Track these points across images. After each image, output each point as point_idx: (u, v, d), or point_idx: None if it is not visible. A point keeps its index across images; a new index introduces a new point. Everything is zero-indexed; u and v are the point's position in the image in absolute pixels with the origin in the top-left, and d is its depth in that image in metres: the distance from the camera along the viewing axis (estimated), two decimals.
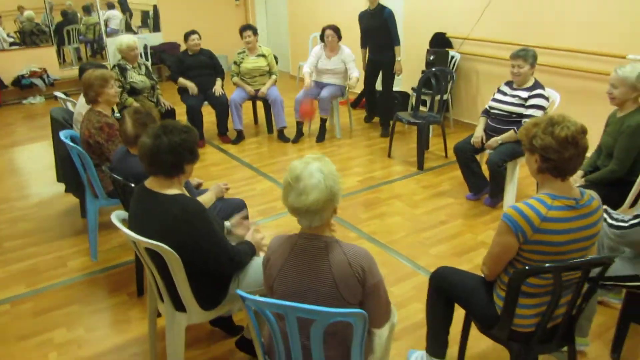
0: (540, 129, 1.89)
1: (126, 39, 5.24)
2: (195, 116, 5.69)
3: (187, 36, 5.74)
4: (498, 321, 2.04)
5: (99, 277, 3.41)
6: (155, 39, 9.53)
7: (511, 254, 1.95)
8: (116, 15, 10.91)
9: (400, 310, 2.96)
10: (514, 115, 3.91)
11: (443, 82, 5.08)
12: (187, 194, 2.21)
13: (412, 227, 3.90)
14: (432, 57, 5.86)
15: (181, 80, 5.70)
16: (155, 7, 9.58)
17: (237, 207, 3.11)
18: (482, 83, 5.83)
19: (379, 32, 5.55)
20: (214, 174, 5.06)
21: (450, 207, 4.18)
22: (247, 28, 5.79)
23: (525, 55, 3.81)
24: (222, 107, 5.82)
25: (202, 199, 2.93)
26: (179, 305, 2.26)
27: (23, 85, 8.06)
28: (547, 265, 1.84)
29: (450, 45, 6.05)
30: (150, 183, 2.17)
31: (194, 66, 5.76)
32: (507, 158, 3.89)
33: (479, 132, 4.09)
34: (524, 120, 3.81)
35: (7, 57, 8.21)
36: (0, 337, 2.87)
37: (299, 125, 5.86)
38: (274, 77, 5.94)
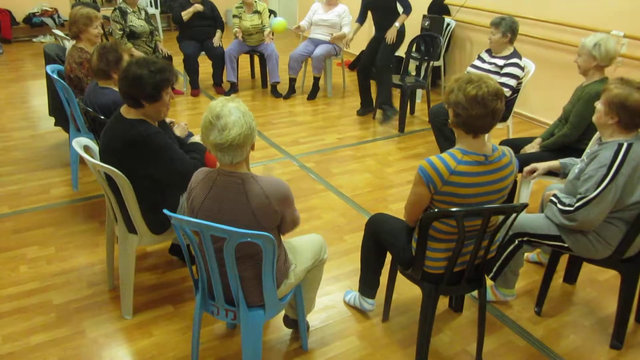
0: (457, 85, 2.03)
1: None
2: (191, 65, 5.84)
3: None
4: (413, 263, 2.23)
5: (77, 205, 3.65)
6: None
7: (424, 202, 2.11)
8: None
9: (350, 255, 3.15)
10: None
11: (431, 48, 5.14)
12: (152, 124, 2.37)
13: (379, 184, 4.06)
14: (427, 23, 5.90)
15: (183, 13, 5.74)
16: None
17: (196, 147, 3.29)
18: (476, 52, 5.86)
19: (386, 7, 5.07)
20: (198, 121, 5.23)
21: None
22: None
23: (499, 24, 3.88)
24: (218, 59, 5.95)
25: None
26: (131, 228, 2.47)
27: (34, 23, 8.23)
28: (451, 209, 2.00)
29: (448, 12, 6.07)
30: (124, 109, 2.35)
31: (194, 16, 5.84)
32: None
33: None
34: None
35: None
36: None
37: (292, 82, 5.98)
38: (267, 30, 5.99)
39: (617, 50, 3.09)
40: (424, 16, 6.02)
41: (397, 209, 3.69)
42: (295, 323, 2.42)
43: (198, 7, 5.73)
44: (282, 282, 2.07)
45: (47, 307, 2.68)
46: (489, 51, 4.12)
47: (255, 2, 5.96)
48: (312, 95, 6.01)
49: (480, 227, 2.02)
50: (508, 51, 3.97)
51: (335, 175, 4.17)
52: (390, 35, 5.00)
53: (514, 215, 2.09)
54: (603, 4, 4.57)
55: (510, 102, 4.07)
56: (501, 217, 2.08)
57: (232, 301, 2.01)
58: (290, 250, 2.18)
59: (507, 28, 3.89)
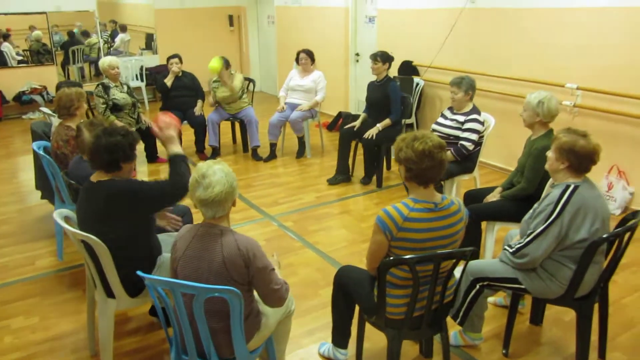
0: (405, 144, 2.24)
1: (109, 59, 5.72)
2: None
3: (168, 59, 6.18)
4: (376, 310, 2.36)
5: (61, 275, 3.76)
6: (152, 60, 10.03)
7: (383, 250, 2.28)
8: (125, 37, 11.49)
9: (326, 309, 3.23)
10: (452, 137, 4.23)
11: (402, 107, 5.43)
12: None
13: (353, 238, 4.22)
14: (397, 83, 6.23)
15: (165, 80, 6.20)
16: (153, 30, 10.11)
17: (181, 211, 3.46)
18: (445, 107, 6.17)
19: (380, 104, 5.27)
20: None
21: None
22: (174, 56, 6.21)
23: (460, 83, 4.17)
24: (200, 127, 6.22)
25: None
26: (109, 292, 2.59)
27: (23, 101, 8.56)
28: (405, 257, 2.16)
29: (417, 73, 6.44)
30: (94, 177, 2.53)
31: (175, 87, 6.17)
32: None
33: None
34: (460, 142, 4.16)
35: (12, 74, 8.73)
36: None
37: (272, 146, 6.25)
38: (245, 99, 6.31)
39: (558, 108, 3.35)
40: (394, 77, 6.37)
41: None
42: None
43: (175, 70, 6.13)
44: (254, 334, 2.19)
45: None
46: (450, 108, 4.39)
47: (231, 74, 6.28)
48: (300, 154, 6.31)
49: (433, 273, 2.18)
50: (468, 108, 4.25)
51: (312, 233, 4.32)
52: (369, 134, 5.15)
53: (464, 260, 2.26)
54: (558, 60, 4.92)
55: (474, 155, 4.31)
56: (452, 263, 2.24)
57: (204, 354, 2.12)
58: (261, 302, 2.31)
59: (468, 87, 4.18)
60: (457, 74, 5.80)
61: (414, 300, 2.23)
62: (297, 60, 6.19)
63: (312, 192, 5.23)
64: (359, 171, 5.59)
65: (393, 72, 6.50)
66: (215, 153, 6.32)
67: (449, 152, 4.22)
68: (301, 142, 6.29)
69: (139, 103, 6.05)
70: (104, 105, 5.61)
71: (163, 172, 5.97)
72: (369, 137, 5.14)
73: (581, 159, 2.46)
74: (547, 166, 2.64)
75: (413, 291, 2.21)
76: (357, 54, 7.67)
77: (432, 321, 2.36)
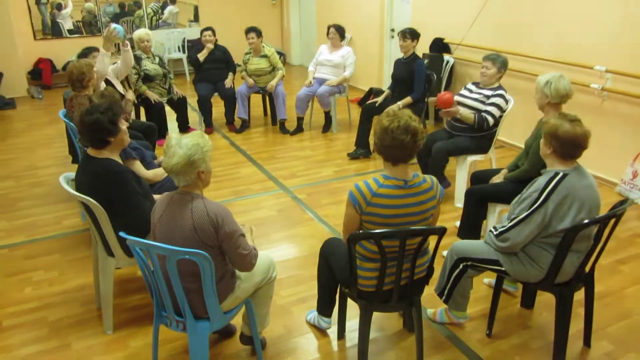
0: (379, 119, 2.31)
1: (140, 31, 5.95)
2: (204, 105, 6.30)
3: (202, 32, 6.33)
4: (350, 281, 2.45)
5: (83, 234, 4.03)
6: (194, 33, 10.24)
7: (355, 223, 2.35)
8: (173, 10, 11.77)
9: None
10: (474, 110, 4.19)
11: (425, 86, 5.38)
12: (118, 160, 2.72)
13: None
14: (426, 61, 6.15)
15: (199, 55, 6.35)
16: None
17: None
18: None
19: (405, 81, 5.25)
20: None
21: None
22: (251, 30, 6.28)
23: (495, 59, 4.11)
24: (230, 99, 6.39)
25: (159, 170, 3.47)
26: (109, 251, 2.79)
27: None
28: (370, 231, 2.23)
29: (449, 50, 6.33)
30: (90, 150, 2.71)
31: (207, 60, 6.34)
32: (453, 151, 4.19)
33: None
34: (482, 113, 4.11)
35: (63, 44, 9.17)
36: None
37: (299, 120, 6.34)
38: (280, 72, 6.42)
39: (568, 89, 3.25)
40: (424, 55, 6.29)
41: None
42: (251, 339, 2.64)
43: (210, 46, 6.27)
44: (227, 296, 2.32)
45: (42, 323, 3.01)
46: (476, 83, 4.32)
47: (263, 46, 6.39)
48: (326, 128, 6.38)
49: (399, 249, 2.23)
50: (495, 84, 4.18)
51: (323, 206, 4.42)
52: (391, 110, 5.08)
53: (435, 238, 2.29)
54: (587, 40, 4.73)
55: (491, 135, 4.25)
56: (419, 240, 2.28)
57: (181, 313, 2.28)
58: None
59: (502, 64, 4.12)
60: (486, 53, 5.72)
61: (383, 274, 2.30)
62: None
63: (332, 167, 5.31)
64: None
65: (424, 49, 6.44)
66: (244, 125, 6.48)
67: (470, 114, 4.15)
68: (328, 116, 6.36)
69: (172, 74, 6.26)
70: (136, 76, 5.86)
71: None
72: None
73: (564, 144, 2.42)
74: (540, 152, 2.61)
75: (381, 265, 2.27)
76: (392, 30, 7.58)
77: (402, 296, 2.42)
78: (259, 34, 6.28)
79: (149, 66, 5.89)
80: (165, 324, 2.38)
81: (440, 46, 6.35)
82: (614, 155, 4.66)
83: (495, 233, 2.58)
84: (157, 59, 6.04)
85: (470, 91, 4.34)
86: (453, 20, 6.19)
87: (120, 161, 2.77)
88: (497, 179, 3.58)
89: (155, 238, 2.28)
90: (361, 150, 5.51)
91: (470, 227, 3.55)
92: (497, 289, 2.79)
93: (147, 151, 3.58)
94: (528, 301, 3.09)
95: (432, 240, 2.38)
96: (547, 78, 3.26)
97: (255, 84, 6.38)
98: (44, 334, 2.92)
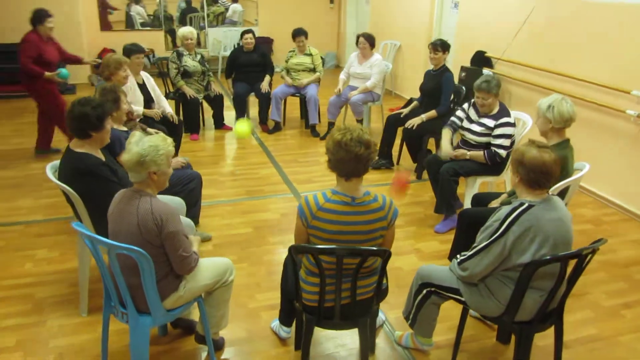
0: (330, 134, 2.28)
1: (184, 30, 6.17)
2: (240, 103, 6.45)
3: (242, 35, 6.46)
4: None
5: None
6: None
7: (303, 235, 2.34)
8: (238, 8, 12.14)
9: None
10: (483, 145, 4.01)
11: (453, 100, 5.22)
12: (97, 155, 2.84)
13: None
14: (463, 75, 5.97)
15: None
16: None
17: (190, 177, 3.74)
18: (515, 104, 5.80)
19: (432, 94, 5.11)
20: (235, 155, 5.80)
21: (412, 215, 4.41)
22: (301, 33, 6.38)
23: (489, 89, 3.87)
24: (264, 99, 6.49)
25: None
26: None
27: None
28: (305, 245, 2.21)
29: (490, 64, 6.10)
30: (72, 142, 2.85)
31: (245, 63, 6.47)
32: (462, 172, 4.02)
33: (447, 147, 4.18)
34: (492, 148, 3.92)
35: (127, 36, 9.64)
36: (4, 246, 3.79)
37: (330, 125, 6.34)
38: (317, 74, 6.48)
39: (572, 112, 3.06)
40: (462, 67, 6.11)
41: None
42: (204, 339, 2.68)
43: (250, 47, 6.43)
44: (169, 294, 2.37)
45: (29, 299, 3.20)
46: (474, 106, 4.12)
47: (308, 47, 6.46)
48: None
49: (337, 267, 2.18)
50: (495, 109, 3.98)
51: None
52: (411, 123, 5.02)
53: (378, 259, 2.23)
54: (627, 63, 4.41)
55: (506, 158, 4.05)
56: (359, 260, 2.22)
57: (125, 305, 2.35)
58: None
59: (497, 88, 3.91)
60: (525, 69, 5.47)
61: (323, 290, 2.26)
62: (357, 43, 6.15)
63: None
64: (408, 159, 5.48)
65: (466, 62, 6.25)
66: (277, 127, 6.56)
67: (480, 154, 3.98)
68: (359, 124, 6.30)
69: (211, 72, 6.45)
70: (176, 71, 6.08)
71: (229, 138, 6.37)
72: (410, 127, 5.02)
73: (530, 172, 2.27)
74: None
75: (320, 280, 2.24)
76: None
77: (346, 315, 2.36)
78: (306, 36, 6.39)
79: (189, 63, 6.10)
80: (113, 314, 2.46)
81: (481, 60, 6.13)
82: None
83: (457, 260, 2.47)
84: (198, 57, 6.24)
85: (471, 121, 4.12)
86: (496, 34, 5.96)
87: (101, 155, 2.88)
88: (495, 203, 3.41)
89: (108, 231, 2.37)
90: (383, 161, 5.42)
91: (459, 250, 3.40)
92: (463, 319, 2.67)
93: None
94: (504, 335, 2.93)
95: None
96: (549, 102, 3.08)
97: (292, 83, 6.44)
98: (27, 309, 3.10)
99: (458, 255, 2.51)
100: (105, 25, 9.64)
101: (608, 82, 4.54)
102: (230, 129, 6.59)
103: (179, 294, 2.39)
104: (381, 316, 3.05)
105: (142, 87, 4.95)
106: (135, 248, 2.13)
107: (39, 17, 5.06)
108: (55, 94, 5.34)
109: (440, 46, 5.05)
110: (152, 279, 2.24)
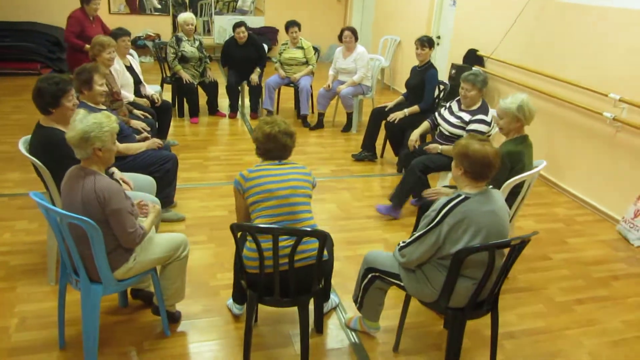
0: (258, 126, 2.59)
1: (185, 15, 6.29)
2: (231, 92, 6.57)
3: (234, 28, 6.53)
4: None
5: None
6: (257, 21, 10.59)
7: (243, 209, 2.58)
8: None
9: None
10: (455, 137, 4.08)
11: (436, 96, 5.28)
12: (63, 130, 2.96)
13: (337, 214, 4.33)
14: (453, 72, 6.03)
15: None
16: None
17: (167, 158, 3.86)
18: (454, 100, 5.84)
19: (416, 89, 5.18)
20: (223, 140, 5.92)
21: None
22: (294, 24, 6.46)
23: (474, 81, 3.96)
24: (255, 89, 6.61)
25: (135, 145, 3.74)
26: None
27: (138, 45, 9.62)
28: (246, 224, 2.34)
29: (482, 63, 6.14)
30: (42, 118, 2.99)
31: (238, 57, 6.57)
32: (432, 166, 4.11)
33: (414, 135, 4.41)
34: None
35: (136, 20, 9.82)
36: None
37: (320, 116, 6.44)
38: (309, 67, 6.57)
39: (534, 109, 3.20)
40: (452, 65, 6.16)
41: (335, 238, 3.93)
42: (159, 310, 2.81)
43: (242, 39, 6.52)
44: (119, 266, 2.49)
45: (2, 266, 3.36)
46: (459, 102, 4.21)
47: (301, 39, 6.54)
48: (346, 128, 6.46)
49: (273, 244, 2.30)
50: (477, 105, 4.05)
51: None
52: (393, 117, 5.09)
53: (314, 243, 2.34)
54: (606, 66, 4.45)
55: None
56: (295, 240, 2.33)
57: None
58: (146, 240, 2.58)
59: (483, 84, 3.99)
60: (514, 69, 5.52)
61: (261, 260, 2.37)
62: (339, 38, 6.20)
63: (332, 165, 5.37)
64: (391, 152, 5.57)
65: (460, 59, 6.30)
66: (270, 116, 6.66)
67: (450, 148, 4.04)
68: (349, 117, 6.39)
69: (208, 59, 6.56)
70: (173, 55, 6.21)
71: (221, 124, 6.50)
72: (392, 120, 5.10)
73: (473, 164, 2.36)
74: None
75: (257, 247, 2.34)
76: (439, 37, 7.44)
77: (286, 291, 2.47)
78: (300, 27, 6.45)
79: (187, 48, 6.22)
80: (69, 282, 2.59)
81: (473, 58, 6.18)
82: (620, 191, 4.37)
83: (399, 246, 2.57)
84: (197, 43, 6.35)
85: (452, 112, 4.21)
86: (489, 33, 6.00)
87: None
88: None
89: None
90: (366, 153, 5.51)
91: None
92: (406, 304, 2.77)
93: (125, 126, 3.83)
94: None
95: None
96: (517, 102, 3.17)
97: (285, 75, 6.54)
98: None
99: (400, 242, 2.60)
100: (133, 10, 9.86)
101: (588, 84, 4.58)
102: (223, 115, 6.71)
103: (129, 266, 2.51)
104: (335, 299, 3.16)
105: (130, 69, 5.08)
106: (85, 218, 2.26)
107: None
108: None
109: (427, 42, 5.12)
110: (102, 249, 2.36)
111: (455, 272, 2.34)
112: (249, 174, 2.54)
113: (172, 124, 6.32)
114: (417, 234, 2.43)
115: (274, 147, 2.55)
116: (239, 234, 2.48)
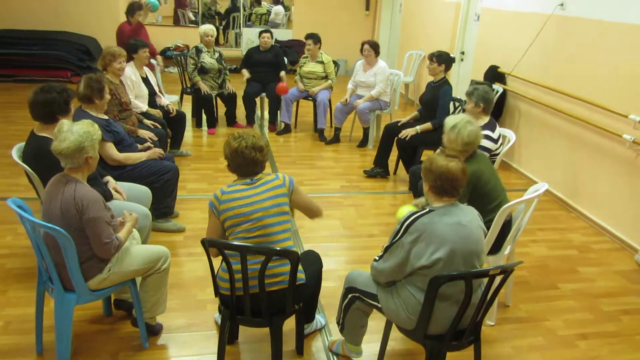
0: (227, 142, 2.49)
1: (205, 27, 6.36)
2: (248, 102, 6.59)
3: (260, 33, 6.59)
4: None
5: None
6: (285, 34, 10.65)
7: (217, 229, 2.47)
8: (280, 10, 12.40)
9: None
10: None
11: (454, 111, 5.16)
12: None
13: (339, 232, 4.24)
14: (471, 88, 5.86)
15: (244, 71, 6.72)
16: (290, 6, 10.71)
17: (167, 168, 3.86)
18: (524, 122, 5.66)
19: (430, 106, 5.07)
20: None
21: (389, 226, 4.38)
22: (309, 37, 6.45)
23: (471, 94, 3.89)
24: (273, 100, 6.61)
25: (135, 154, 3.76)
26: None
27: (167, 56, 9.79)
28: (216, 240, 2.29)
29: (504, 80, 5.97)
30: (35, 127, 3.03)
31: (258, 61, 6.61)
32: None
33: (413, 131, 4.88)
34: None
35: (167, 31, 10.04)
36: None
37: (336, 130, 6.38)
38: (329, 82, 6.53)
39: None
40: (472, 81, 6.00)
41: (336, 255, 3.86)
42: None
43: (245, 74, 6.65)
44: (94, 275, 2.48)
45: None
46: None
47: (321, 54, 6.52)
48: (362, 143, 6.37)
49: (241, 263, 2.24)
50: (482, 121, 3.92)
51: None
52: (405, 133, 5.00)
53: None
54: (627, 86, 4.23)
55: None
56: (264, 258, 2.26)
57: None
58: (123, 251, 2.58)
59: (480, 98, 3.88)
60: (535, 87, 5.34)
61: (232, 279, 2.32)
62: (361, 51, 6.14)
63: (342, 181, 5.28)
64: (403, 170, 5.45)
65: (480, 76, 6.15)
66: (286, 129, 6.66)
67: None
68: (365, 132, 6.31)
69: (227, 71, 6.61)
70: (193, 66, 6.28)
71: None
72: (403, 137, 5.00)
73: (436, 179, 2.30)
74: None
75: (228, 268, 2.31)
76: (463, 53, 7.30)
77: (257, 311, 2.40)
78: (316, 40, 6.44)
79: (207, 59, 6.29)
80: (46, 289, 2.60)
81: (494, 74, 6.01)
82: None
83: (375, 258, 2.49)
84: (216, 54, 6.42)
85: None
86: (511, 49, 5.83)
87: None
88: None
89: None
90: (378, 169, 5.41)
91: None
92: (387, 329, 2.65)
93: (126, 135, 3.85)
94: None
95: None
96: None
97: (304, 88, 6.53)
98: None
99: (376, 257, 2.51)
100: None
101: (608, 104, 4.37)
102: (242, 127, 6.73)
103: (103, 277, 2.50)
104: (321, 320, 3.07)
105: (145, 80, 5.14)
106: (56, 227, 2.26)
107: (132, 9, 6.44)
108: None
109: (436, 57, 5.01)
110: (75, 259, 2.35)
111: (431, 296, 2.22)
112: (222, 196, 2.45)
113: (190, 134, 6.41)
114: (385, 247, 2.36)
115: (243, 163, 2.45)
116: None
